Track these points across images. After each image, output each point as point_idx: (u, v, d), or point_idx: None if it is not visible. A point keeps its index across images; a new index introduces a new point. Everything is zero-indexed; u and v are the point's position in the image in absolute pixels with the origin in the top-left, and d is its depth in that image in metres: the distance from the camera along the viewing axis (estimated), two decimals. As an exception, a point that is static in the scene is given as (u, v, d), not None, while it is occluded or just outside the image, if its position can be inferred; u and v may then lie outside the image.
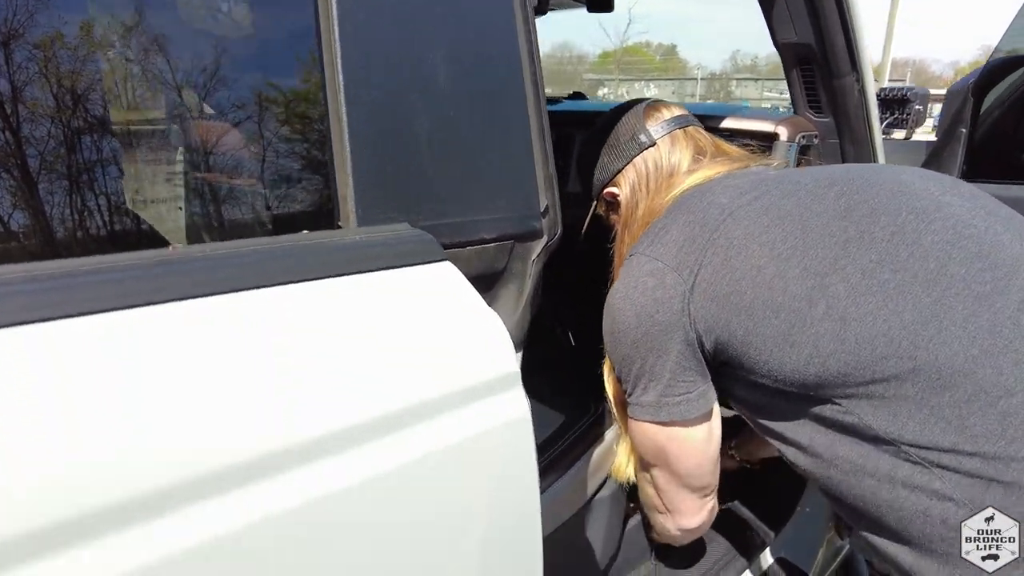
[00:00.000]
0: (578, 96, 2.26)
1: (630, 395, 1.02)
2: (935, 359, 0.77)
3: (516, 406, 0.62)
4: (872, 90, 1.48)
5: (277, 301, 0.50)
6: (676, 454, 1.02)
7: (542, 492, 1.19)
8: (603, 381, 1.17)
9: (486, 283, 0.71)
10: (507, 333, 0.63)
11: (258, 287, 0.49)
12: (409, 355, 0.55)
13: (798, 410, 0.89)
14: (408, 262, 0.58)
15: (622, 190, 1.15)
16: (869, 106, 1.49)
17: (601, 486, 1.35)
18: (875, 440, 0.81)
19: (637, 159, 1.13)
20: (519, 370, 0.65)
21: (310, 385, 0.50)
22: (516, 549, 0.63)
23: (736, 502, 1.78)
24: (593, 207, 1.24)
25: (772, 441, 1.00)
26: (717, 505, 1.18)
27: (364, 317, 0.54)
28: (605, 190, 1.19)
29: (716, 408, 1.02)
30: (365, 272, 0.55)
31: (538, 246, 0.74)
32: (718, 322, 0.89)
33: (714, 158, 1.11)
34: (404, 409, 0.54)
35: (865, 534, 0.89)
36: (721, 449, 1.14)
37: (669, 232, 0.96)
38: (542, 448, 1.27)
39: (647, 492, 1.15)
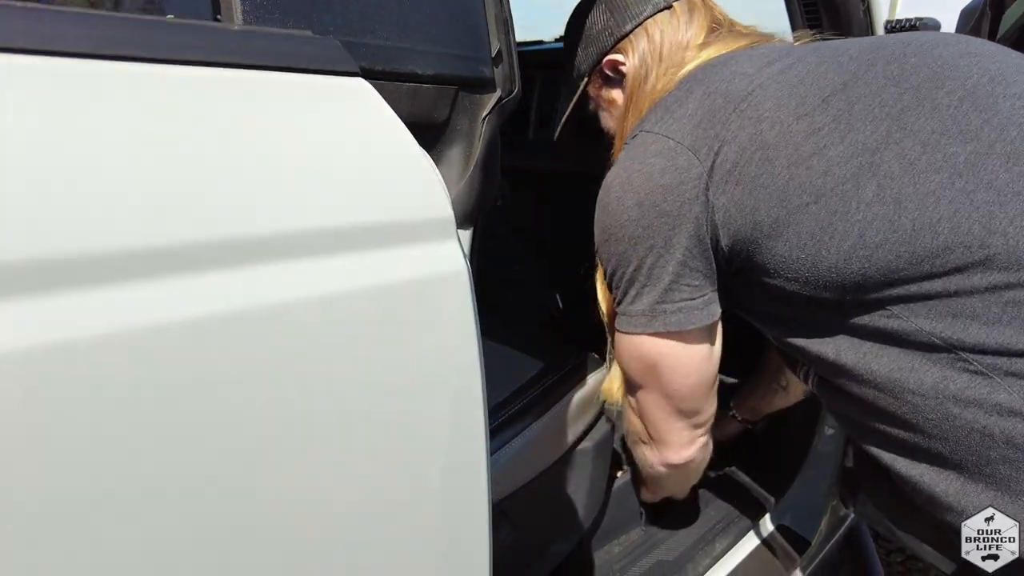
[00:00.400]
0: (566, 41, 2.14)
1: (619, 303, 0.87)
2: (1015, 246, 0.63)
3: (450, 260, 0.50)
4: (878, 9, 1.36)
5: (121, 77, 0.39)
6: (668, 372, 0.88)
7: (515, 436, 1.10)
8: (596, 302, 0.99)
9: (424, 137, 0.59)
10: (438, 175, 0.51)
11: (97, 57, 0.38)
12: (307, 171, 0.44)
13: (830, 320, 0.75)
14: (307, 67, 0.46)
15: (629, 59, 0.96)
16: (875, 27, 1.37)
17: (584, 435, 1.24)
18: (925, 348, 0.68)
19: (650, 22, 0.95)
20: (456, 225, 0.53)
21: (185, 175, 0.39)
22: (452, 427, 0.52)
23: (734, 467, 1.67)
24: (583, 84, 1.04)
25: (795, 357, 0.85)
26: (711, 444, 1.03)
27: (247, 117, 0.43)
28: (607, 58, 0.99)
29: (719, 327, 0.88)
30: (249, 68, 0.43)
31: (489, 101, 0.63)
32: (742, 210, 0.74)
33: (732, 30, 0.95)
34: (303, 232, 0.42)
35: (892, 460, 0.75)
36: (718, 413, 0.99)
37: (684, 106, 0.80)
38: (517, 393, 1.16)
39: (632, 421, 1.01)
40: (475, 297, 0.53)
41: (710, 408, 0.95)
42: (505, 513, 1.10)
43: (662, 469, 1.01)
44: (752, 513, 1.56)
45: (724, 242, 0.78)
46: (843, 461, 1.55)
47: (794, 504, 1.57)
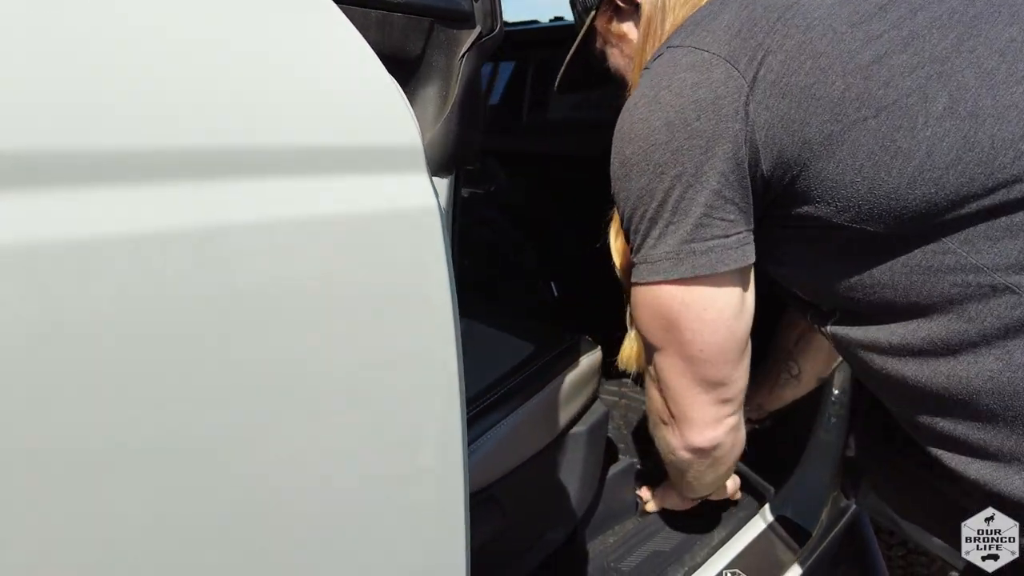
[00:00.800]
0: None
1: (639, 250, 0.76)
2: None
3: (418, 195, 0.46)
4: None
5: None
6: (692, 327, 0.76)
7: (504, 418, 1.05)
8: (611, 254, 0.90)
9: (396, 73, 0.54)
10: (405, 99, 0.47)
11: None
12: (252, 83, 0.39)
13: (869, 262, 0.67)
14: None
15: None
16: None
17: (577, 419, 1.19)
18: (986, 290, 0.61)
19: None
20: (428, 166, 0.49)
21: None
22: (419, 384, 0.47)
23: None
24: (591, 17, 0.95)
25: (815, 303, 0.77)
26: (743, 430, 0.92)
27: (191, 20, 0.38)
28: None
29: (752, 280, 0.78)
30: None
31: (467, 37, 0.58)
32: (788, 126, 0.66)
33: None
34: (244, 148, 0.38)
35: (932, 421, 0.68)
36: None
37: (718, 18, 0.71)
38: (506, 374, 1.11)
39: (652, 398, 0.91)
40: (448, 241, 0.48)
41: (740, 380, 0.84)
42: (495, 499, 1.06)
43: (685, 455, 0.90)
44: (751, 503, 1.51)
45: (765, 166, 0.68)
46: (844, 451, 1.51)
47: (794, 494, 1.52)
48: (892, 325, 0.69)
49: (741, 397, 0.86)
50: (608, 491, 1.39)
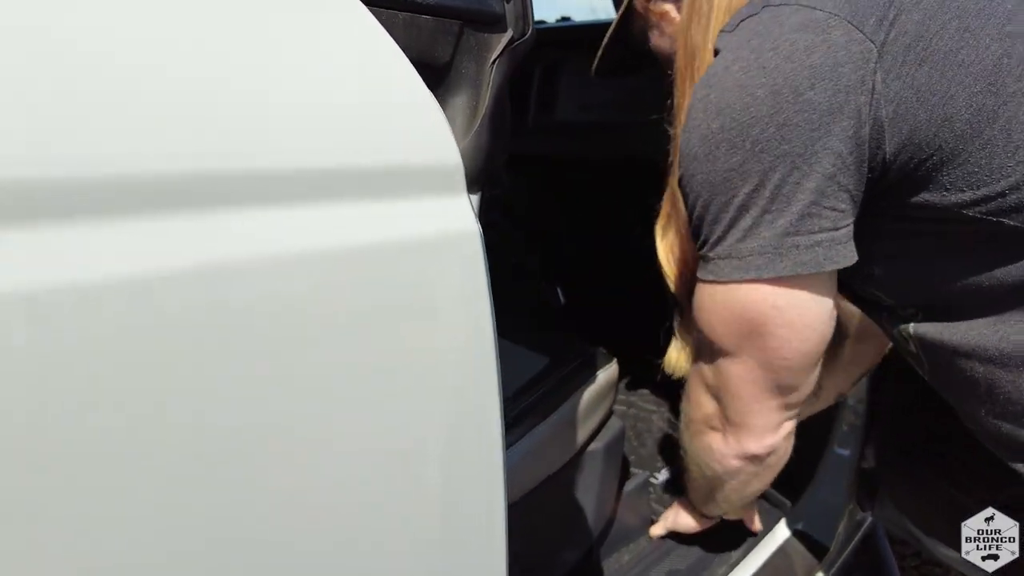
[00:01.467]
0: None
1: (719, 242, 0.65)
2: None
3: (459, 219, 0.41)
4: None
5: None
6: (781, 332, 0.66)
7: (518, 439, 1.01)
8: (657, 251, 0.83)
9: (424, 80, 0.50)
10: (442, 114, 0.42)
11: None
12: (276, 97, 0.34)
13: (998, 260, 0.59)
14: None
15: None
16: None
17: (593, 436, 1.15)
18: None
19: None
20: (465, 181, 0.44)
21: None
22: (459, 422, 0.43)
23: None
24: None
25: (896, 304, 0.69)
26: (794, 433, 0.83)
27: (201, 25, 0.33)
28: None
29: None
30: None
31: (499, 42, 0.54)
32: (927, 99, 0.56)
33: None
34: (271, 173, 0.33)
35: (1015, 431, 0.62)
36: None
37: None
38: (520, 392, 1.06)
39: (700, 403, 0.81)
40: (488, 266, 0.44)
41: (811, 385, 0.75)
42: (509, 521, 1.01)
43: (735, 463, 0.81)
44: (767, 518, 1.47)
45: (889, 147, 0.58)
46: (860, 462, 1.48)
47: (811, 508, 1.49)
48: (1004, 329, 0.61)
49: (804, 402, 0.79)
50: (622, 508, 1.35)
